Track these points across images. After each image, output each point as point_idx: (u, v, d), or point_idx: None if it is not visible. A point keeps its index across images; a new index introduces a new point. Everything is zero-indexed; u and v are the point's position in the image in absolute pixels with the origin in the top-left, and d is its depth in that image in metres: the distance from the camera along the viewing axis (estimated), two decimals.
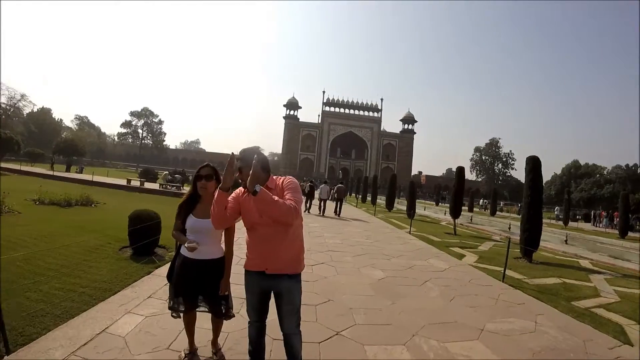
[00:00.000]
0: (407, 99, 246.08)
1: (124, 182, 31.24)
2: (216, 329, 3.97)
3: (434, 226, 21.24)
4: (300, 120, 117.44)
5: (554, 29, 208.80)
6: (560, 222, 40.01)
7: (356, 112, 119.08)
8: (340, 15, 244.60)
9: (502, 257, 9.42)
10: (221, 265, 3.66)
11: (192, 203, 3.67)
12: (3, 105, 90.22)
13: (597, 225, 43.61)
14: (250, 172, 2.75)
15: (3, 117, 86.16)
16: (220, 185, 2.91)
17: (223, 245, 3.75)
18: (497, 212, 48.03)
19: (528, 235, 12.02)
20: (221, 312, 3.77)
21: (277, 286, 3.16)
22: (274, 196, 2.78)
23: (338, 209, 22.52)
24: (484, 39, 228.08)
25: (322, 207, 22.17)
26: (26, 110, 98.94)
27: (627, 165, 77.65)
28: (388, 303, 6.23)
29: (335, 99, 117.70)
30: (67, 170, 47.31)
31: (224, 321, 3.94)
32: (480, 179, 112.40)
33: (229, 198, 3.06)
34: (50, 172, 36.96)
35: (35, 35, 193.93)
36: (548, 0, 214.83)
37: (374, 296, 6.58)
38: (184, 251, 3.61)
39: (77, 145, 63.16)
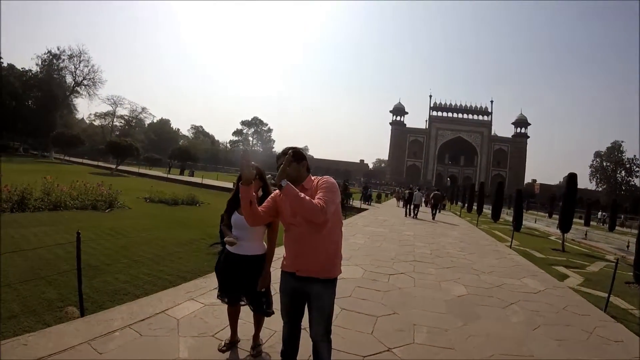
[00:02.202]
0: (520, 100, 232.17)
1: (231, 185, 32.84)
2: (257, 324, 4.10)
3: (540, 241, 19.65)
4: (406, 126, 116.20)
5: None
6: None
7: (465, 116, 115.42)
8: (446, 14, 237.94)
9: (610, 280, 8.33)
10: (261, 262, 3.76)
11: (238, 200, 3.70)
12: (126, 117, 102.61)
13: None
14: (280, 167, 2.82)
15: (126, 127, 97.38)
16: (241, 180, 2.91)
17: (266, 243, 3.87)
18: (617, 227, 43.31)
19: None
20: (261, 308, 3.89)
21: (308, 290, 3.06)
22: (300, 193, 2.74)
23: (433, 214, 25.97)
24: (606, 22, 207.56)
25: (415, 212, 25.42)
26: (147, 121, 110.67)
27: None
28: (459, 324, 5.68)
29: (443, 103, 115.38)
30: (181, 173, 51.51)
31: (269, 318, 4.05)
32: (600, 189, 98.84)
33: (269, 198, 3.19)
34: (165, 175, 40.26)
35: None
36: None
37: (446, 314, 6.06)
38: (228, 246, 3.78)
39: (191, 152, 68.42)
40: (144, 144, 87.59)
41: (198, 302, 5.30)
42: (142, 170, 48.17)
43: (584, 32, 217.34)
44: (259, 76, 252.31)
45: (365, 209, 27.27)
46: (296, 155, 3.01)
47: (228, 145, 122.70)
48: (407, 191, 29.10)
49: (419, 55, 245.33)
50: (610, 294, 7.79)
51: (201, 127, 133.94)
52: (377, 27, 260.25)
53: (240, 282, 3.77)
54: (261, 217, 3.06)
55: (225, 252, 3.87)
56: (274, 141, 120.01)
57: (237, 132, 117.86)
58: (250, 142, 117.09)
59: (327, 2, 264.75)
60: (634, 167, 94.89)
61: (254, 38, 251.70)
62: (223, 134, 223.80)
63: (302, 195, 2.72)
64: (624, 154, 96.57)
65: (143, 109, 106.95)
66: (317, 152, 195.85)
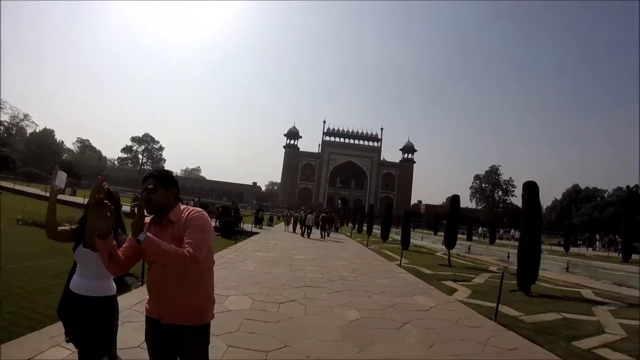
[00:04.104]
0: (408, 128, 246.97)
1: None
2: None
3: (428, 257, 20.34)
4: (300, 149, 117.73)
5: (551, 56, 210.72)
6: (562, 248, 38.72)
7: (356, 141, 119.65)
8: (343, 46, 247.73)
9: (497, 290, 8.55)
10: (109, 307, 3.05)
11: (84, 230, 3.08)
12: (5, 124, 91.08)
13: (595, 249, 43.52)
14: (134, 217, 2.21)
15: (5, 134, 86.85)
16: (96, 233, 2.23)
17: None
18: (497, 240, 46.77)
19: (525, 266, 11.21)
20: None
21: (176, 340, 2.46)
22: (162, 244, 2.20)
23: (323, 234, 28.92)
24: (481, 65, 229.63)
25: (308, 232, 28.13)
26: (29, 130, 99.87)
27: (627, 187, 76.84)
28: (355, 351, 5.37)
29: (336, 129, 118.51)
30: (62, 192, 46.64)
31: None
32: (480, 207, 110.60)
33: (129, 238, 2.43)
34: (44, 193, 36.38)
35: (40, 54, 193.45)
36: (545, 25, 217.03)
37: (341, 342, 5.72)
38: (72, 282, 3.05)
39: (75, 168, 62.96)
40: (22, 155, 77.45)
41: (65, 348, 4.27)
42: (19, 187, 42.47)
43: (461, 65, 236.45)
44: (154, 91, 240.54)
45: (257, 233, 26.66)
46: (164, 180, 2.54)
47: (116, 162, 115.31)
48: (302, 213, 31.42)
49: (316, 81, 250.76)
50: (498, 303, 8.04)
51: (88, 140, 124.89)
52: (273, 53, 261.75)
53: (77, 328, 3.03)
54: (125, 264, 2.42)
55: (65, 289, 3.13)
56: (164, 160, 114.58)
57: (127, 149, 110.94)
58: (140, 160, 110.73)
59: (222, 16, 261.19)
60: (510, 187, 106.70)
61: (149, 47, 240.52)
62: (112, 150, 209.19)
63: (165, 248, 2.19)
64: (500, 177, 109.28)
65: (25, 115, 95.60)
66: (210, 173, 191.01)
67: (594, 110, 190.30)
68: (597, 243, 44.25)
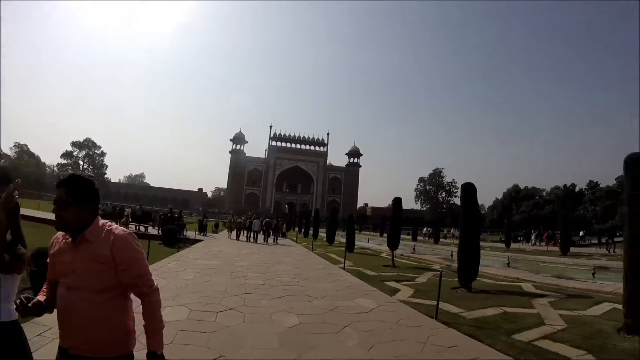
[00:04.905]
0: (355, 133, 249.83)
1: (53, 216, 29.02)
2: None
3: (373, 259, 20.58)
4: (246, 155, 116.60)
5: (490, 59, 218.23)
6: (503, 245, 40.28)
7: (303, 146, 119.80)
8: (291, 51, 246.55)
9: (441, 288, 8.67)
10: (14, 333, 2.51)
11: None
12: None
13: (534, 243, 45.61)
14: None
15: None
16: None
17: None
18: (442, 240, 48.23)
19: (465, 263, 11.53)
20: None
21: None
22: (157, 326, 2.22)
23: (266, 238, 29.53)
24: (427, 67, 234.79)
25: (255, 237, 29.33)
26: None
27: (565, 186, 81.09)
28: (292, 357, 5.27)
29: (282, 134, 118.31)
30: None
31: None
32: (424, 208, 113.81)
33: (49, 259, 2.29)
34: None
35: None
36: (482, 35, 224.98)
37: (278, 349, 5.61)
38: None
39: (10, 174, 59.43)
40: None
41: None
42: None
43: (407, 69, 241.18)
44: (96, 94, 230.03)
45: (201, 240, 26.05)
46: (75, 196, 2.15)
47: (56, 168, 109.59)
48: (247, 220, 31.81)
49: (264, 86, 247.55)
50: (438, 301, 8.15)
51: (26, 145, 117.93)
52: (220, 57, 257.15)
53: None
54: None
55: None
56: (106, 166, 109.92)
57: (67, 155, 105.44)
58: (81, 166, 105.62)
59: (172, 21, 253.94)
60: (453, 188, 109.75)
61: (92, 48, 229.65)
62: (51, 156, 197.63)
63: (155, 325, 2.20)
64: (444, 179, 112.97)
65: None
66: (154, 180, 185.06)
67: (532, 113, 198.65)
68: (532, 238, 46.85)
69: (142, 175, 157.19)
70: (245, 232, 30.59)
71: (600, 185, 70.83)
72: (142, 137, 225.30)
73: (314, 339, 6.14)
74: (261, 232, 29.81)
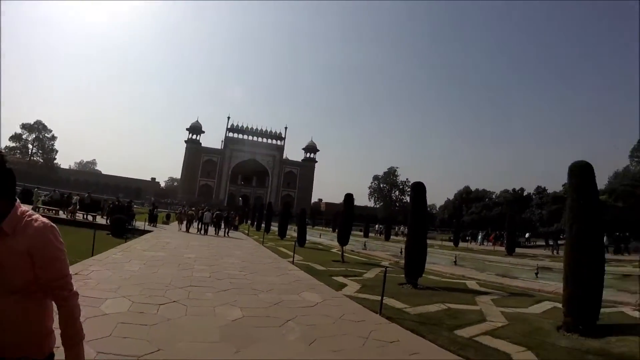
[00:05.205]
0: (313, 129, 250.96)
1: None
2: None
3: (323, 254, 20.74)
4: (202, 145, 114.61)
5: (453, 59, 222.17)
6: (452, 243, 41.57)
7: (260, 139, 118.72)
8: (251, 43, 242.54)
9: (387, 284, 8.81)
10: None
11: None
12: None
13: (481, 243, 47.23)
14: None
15: None
16: None
17: None
18: (393, 237, 49.11)
19: (412, 260, 11.82)
20: None
21: None
22: (77, 329, 2.01)
23: (217, 230, 29.36)
24: (388, 64, 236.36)
25: (205, 229, 29.04)
26: None
27: (513, 190, 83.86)
28: (232, 351, 5.27)
29: (240, 125, 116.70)
30: None
31: None
32: (378, 205, 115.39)
33: None
34: None
35: None
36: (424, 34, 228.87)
37: (219, 343, 5.60)
38: None
39: None
40: None
41: None
42: None
43: (367, 65, 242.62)
44: (49, 76, 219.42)
45: (150, 231, 25.47)
46: None
47: (4, 152, 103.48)
48: (200, 211, 31.77)
49: (223, 77, 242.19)
50: (382, 297, 8.32)
51: None
52: (179, 45, 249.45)
53: None
54: None
55: None
56: (56, 151, 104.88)
57: (16, 137, 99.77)
58: (30, 151, 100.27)
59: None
60: (406, 187, 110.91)
61: (44, 29, 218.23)
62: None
63: (74, 335, 1.99)
64: (398, 178, 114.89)
65: None
66: (106, 167, 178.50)
67: (487, 118, 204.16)
68: (479, 238, 48.62)
69: (93, 162, 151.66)
70: (197, 224, 30.28)
71: (548, 191, 73.70)
72: (95, 122, 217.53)
73: (256, 333, 6.15)
74: (212, 225, 29.57)
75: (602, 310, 7.58)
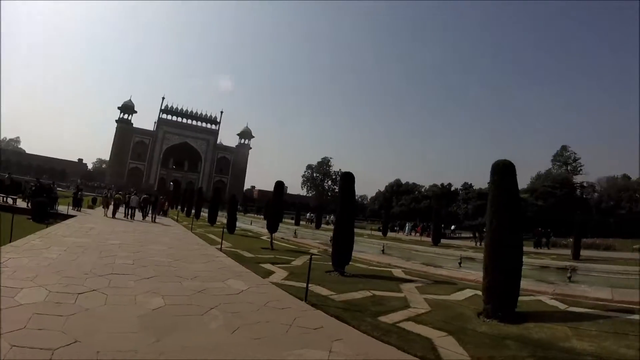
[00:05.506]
0: (249, 115, 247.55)
1: None
2: None
3: (252, 241, 20.85)
4: (134, 125, 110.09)
5: (401, 49, 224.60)
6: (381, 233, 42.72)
7: (194, 122, 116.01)
8: (190, 24, 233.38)
9: (314, 271, 9.01)
10: None
11: None
12: None
13: (409, 233, 49.51)
14: None
15: None
16: None
17: None
18: (324, 225, 49.75)
19: (339, 248, 12.11)
20: None
21: None
22: None
23: (144, 215, 29.25)
24: (325, 56, 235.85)
25: (132, 214, 28.45)
26: None
27: (442, 185, 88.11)
28: (151, 341, 5.21)
29: (175, 107, 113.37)
30: None
31: None
32: (310, 195, 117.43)
33: None
34: None
35: None
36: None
37: (138, 333, 5.52)
38: None
39: None
40: None
41: None
42: None
43: (304, 55, 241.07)
44: None
45: (74, 216, 24.41)
46: None
47: None
48: (127, 195, 31.31)
49: (159, 57, 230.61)
50: (308, 284, 8.49)
51: None
52: (111, 21, 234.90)
53: None
54: None
55: None
56: None
57: None
58: None
59: None
60: (339, 177, 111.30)
61: None
62: None
63: None
64: (331, 168, 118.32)
65: None
66: (31, 146, 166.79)
67: (424, 114, 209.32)
68: (406, 228, 51.24)
69: (17, 140, 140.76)
70: (123, 208, 29.37)
71: (474, 187, 77.99)
72: (21, 95, 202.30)
73: (177, 322, 6.11)
74: (140, 210, 29.02)
75: (520, 298, 8.18)
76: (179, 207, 52.29)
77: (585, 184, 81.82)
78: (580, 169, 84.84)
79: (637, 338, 6.58)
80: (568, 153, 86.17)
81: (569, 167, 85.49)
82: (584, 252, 27.22)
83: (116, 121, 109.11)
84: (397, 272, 13.23)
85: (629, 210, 68.98)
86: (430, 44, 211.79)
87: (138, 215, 28.95)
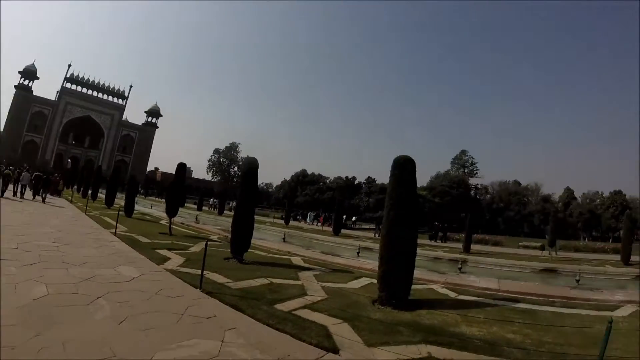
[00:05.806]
0: (160, 93, 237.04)
1: None
2: None
3: (151, 226, 20.42)
4: (34, 93, 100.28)
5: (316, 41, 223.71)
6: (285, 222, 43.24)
7: (100, 95, 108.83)
8: None
9: (212, 258, 8.93)
10: None
11: None
12: None
13: (311, 223, 51.25)
14: None
15: None
16: None
17: None
18: (226, 212, 49.25)
19: (238, 235, 12.18)
20: None
21: None
22: None
23: (35, 194, 27.23)
24: (244, 35, 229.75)
25: (22, 192, 26.85)
26: None
27: (346, 177, 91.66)
28: (31, 335, 4.84)
29: (81, 77, 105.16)
30: None
31: None
32: (216, 180, 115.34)
33: None
34: None
35: None
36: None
37: (16, 325, 5.07)
38: None
39: None
40: None
41: None
42: None
43: (219, 36, 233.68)
44: None
45: None
46: None
47: None
48: (17, 171, 30.54)
49: (67, 15, 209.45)
50: (203, 271, 8.40)
51: None
52: None
53: None
54: None
55: None
56: None
57: None
58: None
59: None
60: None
61: None
62: None
63: None
64: (239, 154, 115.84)
65: None
66: None
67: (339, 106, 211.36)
68: (309, 218, 53.21)
69: None
70: (12, 186, 27.50)
71: (377, 182, 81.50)
72: None
73: (60, 313, 5.76)
74: (30, 188, 27.11)
75: (414, 287, 8.78)
76: (75, 186, 49.37)
77: (479, 186, 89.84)
78: (476, 172, 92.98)
79: (523, 325, 7.33)
80: (466, 157, 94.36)
81: (466, 170, 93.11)
82: (474, 247, 29.88)
83: (15, 87, 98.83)
84: (297, 260, 13.57)
85: (517, 212, 76.50)
86: (334, 36, 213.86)
87: (29, 194, 26.99)
